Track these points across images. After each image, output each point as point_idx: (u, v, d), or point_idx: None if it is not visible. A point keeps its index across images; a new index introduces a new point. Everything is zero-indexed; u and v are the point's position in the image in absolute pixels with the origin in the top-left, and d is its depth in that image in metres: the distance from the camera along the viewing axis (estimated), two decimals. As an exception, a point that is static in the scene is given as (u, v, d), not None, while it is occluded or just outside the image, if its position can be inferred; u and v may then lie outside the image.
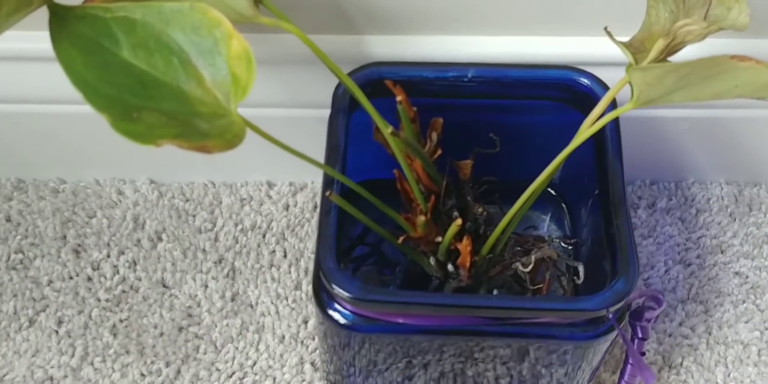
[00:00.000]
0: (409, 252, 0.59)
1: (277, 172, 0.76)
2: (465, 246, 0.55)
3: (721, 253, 0.72)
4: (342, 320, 0.51)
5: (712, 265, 0.71)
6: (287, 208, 0.74)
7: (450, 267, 0.58)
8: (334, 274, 0.49)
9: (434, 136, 0.56)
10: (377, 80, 0.58)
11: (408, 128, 0.55)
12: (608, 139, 0.55)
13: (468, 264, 0.56)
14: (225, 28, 0.47)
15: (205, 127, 0.46)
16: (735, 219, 0.74)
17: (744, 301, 0.69)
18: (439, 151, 0.57)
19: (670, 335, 0.67)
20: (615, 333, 0.51)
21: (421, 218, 0.54)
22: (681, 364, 0.66)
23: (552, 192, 0.68)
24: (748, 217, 0.74)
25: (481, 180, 0.64)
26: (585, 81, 0.57)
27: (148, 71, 0.48)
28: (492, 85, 0.58)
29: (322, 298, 0.52)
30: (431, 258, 0.58)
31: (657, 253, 0.71)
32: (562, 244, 0.65)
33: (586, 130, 0.50)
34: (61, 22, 0.47)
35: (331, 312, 0.52)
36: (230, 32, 0.47)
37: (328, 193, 0.51)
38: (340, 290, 0.48)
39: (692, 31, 0.48)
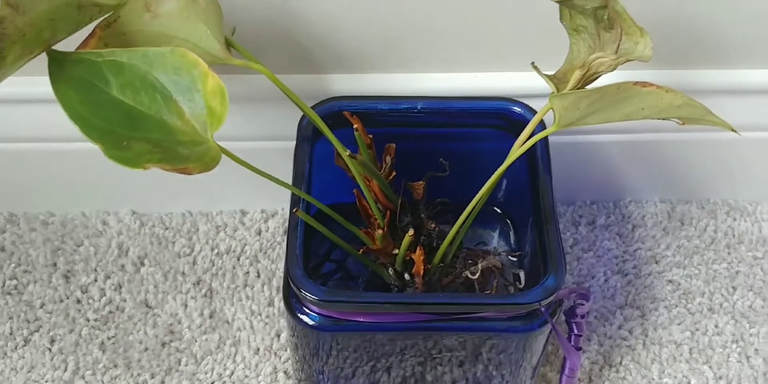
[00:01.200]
0: (370, 263, 0.66)
1: (250, 201, 0.83)
2: (418, 256, 0.62)
3: (656, 263, 0.79)
4: (310, 322, 0.58)
5: (647, 275, 0.78)
6: (260, 233, 0.81)
7: (406, 276, 0.65)
8: (301, 280, 0.56)
9: (388, 159, 0.63)
10: (338, 112, 0.65)
11: (365, 153, 0.62)
12: (539, 158, 0.63)
13: (422, 272, 0.63)
14: (201, 68, 0.54)
15: (185, 152, 0.53)
16: (668, 233, 0.82)
17: (677, 306, 0.77)
18: (394, 173, 0.64)
19: (610, 337, 0.74)
20: (549, 325, 0.58)
21: (379, 232, 0.61)
22: (620, 363, 0.73)
23: (498, 210, 0.75)
24: (680, 231, 0.82)
25: (435, 201, 0.71)
26: (518, 109, 0.65)
27: (135, 107, 0.55)
28: (439, 115, 0.66)
29: (292, 304, 0.58)
30: (389, 268, 0.65)
31: (597, 265, 0.79)
32: (509, 257, 0.73)
33: (517, 150, 0.58)
34: (59, 66, 0.55)
35: (300, 315, 0.58)
36: (206, 72, 0.54)
37: (294, 210, 0.58)
38: (307, 294, 0.55)
39: (604, 63, 0.56)
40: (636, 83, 0.52)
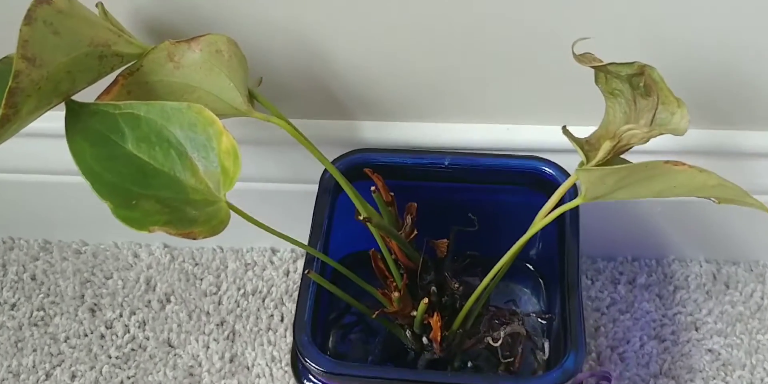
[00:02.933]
0: (387, 324, 0.64)
1: (280, 239, 0.82)
2: (435, 322, 0.60)
3: (696, 330, 0.76)
4: (315, 389, 0.56)
5: (685, 342, 0.75)
6: (287, 274, 0.80)
7: (425, 339, 0.63)
8: (308, 349, 0.54)
9: (409, 219, 0.61)
10: (362, 165, 0.63)
11: (384, 212, 0.60)
12: (567, 225, 0.60)
13: (439, 338, 0.61)
14: (217, 126, 0.53)
15: (193, 214, 0.52)
16: (711, 297, 0.78)
17: (714, 378, 0.73)
18: (415, 232, 0.62)
19: (638, 405, 0.71)
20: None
21: (396, 294, 0.59)
22: (649, 436, 0.70)
23: (530, 267, 0.73)
24: (724, 296, 0.78)
25: (464, 254, 0.69)
26: (549, 170, 0.62)
27: (149, 162, 0.54)
28: (467, 172, 0.64)
29: (299, 369, 0.57)
30: (407, 330, 0.63)
31: (633, 328, 0.75)
32: (539, 319, 0.70)
33: (540, 222, 0.55)
34: (75, 117, 0.54)
35: (306, 382, 0.56)
36: (221, 130, 0.53)
37: (306, 272, 0.57)
38: (313, 364, 0.53)
39: (636, 135, 0.53)
40: (667, 162, 0.49)
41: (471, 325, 0.63)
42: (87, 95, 0.56)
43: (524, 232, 0.57)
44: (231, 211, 0.54)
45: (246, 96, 0.58)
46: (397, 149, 0.65)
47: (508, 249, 0.57)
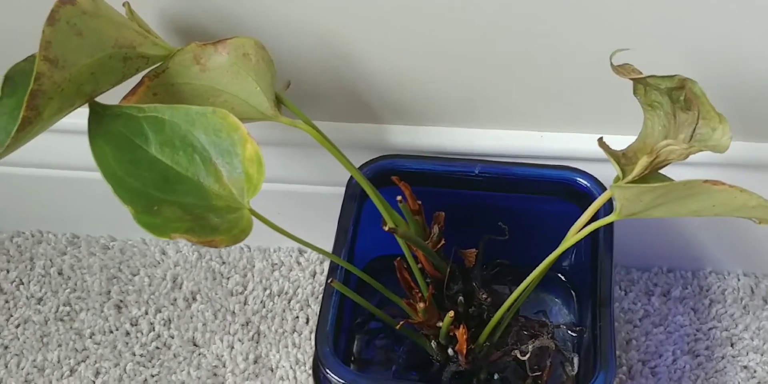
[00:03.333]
0: (412, 334, 0.63)
1: (309, 239, 0.81)
2: (461, 334, 0.59)
3: (731, 346, 0.73)
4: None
5: (720, 358, 0.73)
6: (314, 275, 0.79)
7: (450, 351, 0.61)
8: (329, 360, 0.53)
9: (437, 228, 0.60)
10: (390, 171, 0.62)
11: (411, 221, 0.59)
12: (600, 241, 0.58)
13: (465, 351, 0.59)
14: (241, 132, 0.52)
15: (216, 221, 0.51)
16: (748, 312, 0.75)
17: (749, 395, 0.71)
18: (443, 242, 0.60)
19: (670, 425, 0.69)
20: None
21: (421, 305, 0.58)
22: (678, 454, 0.68)
23: (562, 278, 0.71)
24: (762, 311, 0.75)
25: (494, 262, 0.67)
26: (583, 181, 0.60)
27: (173, 167, 0.53)
28: (497, 181, 0.62)
29: (320, 379, 0.56)
30: (433, 341, 0.62)
31: (666, 342, 0.73)
32: (569, 331, 0.68)
33: (572, 237, 0.53)
34: (98, 120, 0.53)
35: (327, 391, 0.55)
36: (245, 137, 0.52)
37: (330, 280, 0.56)
38: (333, 376, 0.52)
39: (674, 151, 0.51)
40: (706, 181, 0.47)
41: (499, 336, 0.61)
42: (112, 96, 0.55)
43: (556, 242, 0.55)
44: (254, 218, 0.53)
45: (273, 100, 0.56)
46: (427, 156, 0.63)
47: (540, 258, 0.56)
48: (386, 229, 0.53)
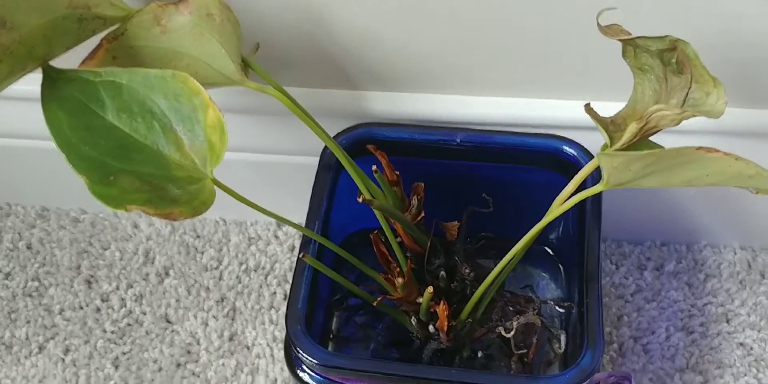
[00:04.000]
0: (391, 311, 0.60)
1: (287, 212, 0.77)
2: (442, 311, 0.56)
3: (727, 322, 0.70)
4: (311, 382, 0.52)
5: (715, 335, 0.70)
6: (292, 250, 0.76)
7: (431, 328, 0.58)
8: (301, 340, 0.50)
9: (416, 200, 0.56)
10: (366, 140, 0.59)
11: (389, 193, 0.55)
12: (588, 214, 0.55)
13: (446, 328, 0.57)
14: (203, 97, 0.48)
15: (175, 193, 0.48)
16: (745, 287, 0.72)
17: (745, 374, 0.68)
18: (422, 214, 0.57)
19: (659, 402, 0.67)
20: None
21: (399, 280, 0.55)
22: (669, 435, 0.65)
23: (549, 251, 0.68)
24: (759, 286, 0.72)
25: (478, 236, 0.64)
26: (570, 150, 0.57)
27: (131, 134, 0.50)
28: (480, 150, 0.59)
29: (293, 358, 0.53)
30: (413, 318, 0.59)
31: (659, 319, 0.70)
32: (557, 307, 0.65)
33: (557, 208, 0.50)
34: (52, 84, 0.50)
35: (300, 373, 0.53)
36: (207, 102, 0.48)
37: (301, 255, 0.52)
38: (306, 356, 0.49)
39: (666, 117, 0.47)
40: (700, 148, 0.44)
41: (483, 313, 0.58)
42: (71, 61, 0.52)
43: (542, 214, 0.52)
44: (219, 189, 0.50)
45: (239, 64, 0.53)
46: (405, 124, 0.60)
47: (525, 231, 0.53)
48: (361, 200, 0.50)
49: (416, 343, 0.60)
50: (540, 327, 0.61)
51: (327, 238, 0.56)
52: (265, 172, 0.72)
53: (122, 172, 0.48)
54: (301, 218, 0.78)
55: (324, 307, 0.64)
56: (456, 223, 0.60)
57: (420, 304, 0.57)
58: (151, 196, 0.47)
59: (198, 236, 0.77)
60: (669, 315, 0.71)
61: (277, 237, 0.77)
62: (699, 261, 0.74)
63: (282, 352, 0.70)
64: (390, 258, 0.56)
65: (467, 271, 0.60)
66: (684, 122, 0.49)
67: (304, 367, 0.52)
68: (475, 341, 0.60)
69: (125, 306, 0.73)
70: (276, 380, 0.69)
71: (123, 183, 0.47)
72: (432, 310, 0.57)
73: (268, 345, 0.71)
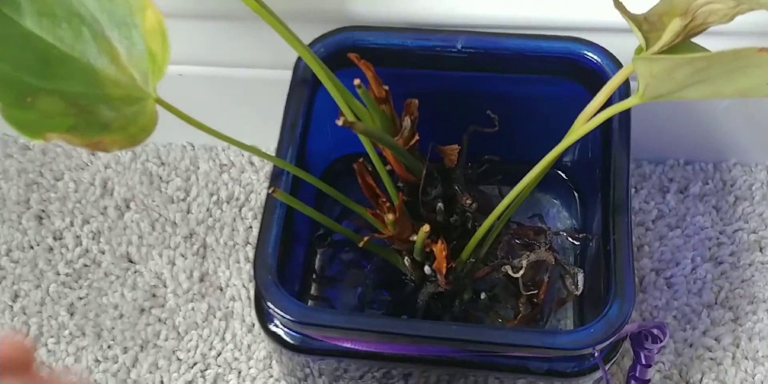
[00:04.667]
0: (380, 251, 0.51)
1: (263, 136, 0.68)
2: (440, 251, 0.47)
3: (760, 250, 0.62)
4: (287, 340, 0.44)
5: (747, 265, 0.62)
6: (269, 178, 0.67)
7: (427, 269, 0.50)
8: (272, 292, 0.42)
9: (408, 120, 0.47)
10: (348, 48, 0.49)
11: (375, 112, 0.46)
12: (614, 133, 0.46)
13: (444, 270, 0.48)
14: (139, -6, 0.39)
15: (108, 116, 0.39)
16: (780, 210, 0.64)
17: (781, 308, 0.60)
18: (416, 138, 0.48)
19: (690, 345, 0.59)
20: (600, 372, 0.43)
21: (389, 217, 0.46)
22: (700, 381, 0.58)
23: (563, 175, 0.59)
24: (796, 208, 0.64)
25: (481, 159, 0.55)
26: (593, 56, 0.48)
27: (54, 44, 0.40)
28: (485, 58, 0.49)
29: (264, 313, 0.45)
30: (406, 257, 0.50)
31: (684, 248, 0.62)
32: (570, 239, 0.57)
33: (580, 128, 0.41)
34: (-49, -18, 0.40)
35: (273, 329, 0.44)
36: (145, 2, 0.39)
37: (271, 190, 0.43)
38: (278, 311, 0.41)
39: (716, 11, 0.38)
40: (762, 50, 0.35)
41: (487, 249, 0.50)
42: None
43: (558, 133, 0.43)
44: (167, 111, 0.40)
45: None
46: (396, 27, 0.50)
47: (537, 153, 0.44)
48: (341, 123, 0.41)
49: (410, 286, 0.52)
50: (553, 264, 0.53)
51: (303, 167, 0.48)
52: (229, 89, 0.63)
53: (43, 91, 0.39)
54: (272, 145, 0.69)
55: (305, 243, 0.56)
56: (456, 146, 0.51)
57: (414, 242, 0.49)
58: (77, 122, 0.38)
59: (162, 163, 0.68)
60: (695, 244, 0.62)
61: (252, 163, 0.68)
62: (728, 181, 0.66)
63: (259, 294, 0.62)
64: (378, 191, 0.47)
65: (468, 202, 0.51)
66: (735, 21, 0.40)
67: (277, 322, 0.44)
68: (478, 281, 0.52)
69: (81, 244, 0.65)
70: (253, 325, 0.61)
71: (43, 105, 0.38)
72: (428, 249, 0.49)
73: (243, 286, 0.62)
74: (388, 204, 0.47)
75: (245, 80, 0.62)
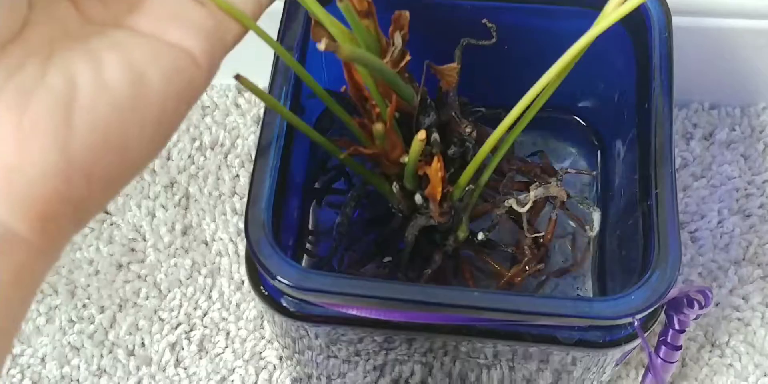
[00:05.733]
0: (366, 174, 0.44)
1: (252, 73, 0.62)
2: (435, 170, 0.40)
3: (791, 202, 0.58)
4: (286, 305, 0.39)
5: (777, 218, 0.57)
6: (257, 121, 0.61)
7: (418, 198, 0.44)
8: (265, 252, 0.36)
9: (398, 37, 0.41)
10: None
11: (358, 30, 0.39)
12: (655, 65, 0.40)
13: (438, 195, 0.42)
14: None
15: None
16: (813, 158, 0.59)
17: (813, 265, 0.56)
18: (407, 58, 0.41)
19: (717, 305, 0.55)
20: (638, 340, 0.38)
21: (379, 126, 0.39)
22: (727, 343, 0.54)
23: (581, 122, 0.54)
24: (830, 157, 0.59)
25: (473, 110, 0.50)
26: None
27: None
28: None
29: (259, 275, 0.39)
30: (394, 184, 0.43)
31: (710, 199, 0.57)
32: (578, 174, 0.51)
33: (606, 18, 0.35)
34: None
35: (267, 292, 0.39)
36: None
37: (236, 76, 0.35)
38: (275, 275, 0.36)
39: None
40: None
41: (487, 182, 0.44)
42: None
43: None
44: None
45: None
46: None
47: (550, 101, 0.39)
48: (322, 47, 0.34)
49: (398, 219, 0.46)
50: (559, 202, 0.47)
51: (298, 111, 0.42)
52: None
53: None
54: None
55: (299, 195, 0.50)
56: (455, 65, 0.44)
57: (404, 166, 0.42)
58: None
59: (138, 106, 0.62)
60: (722, 195, 0.58)
61: (238, 105, 0.62)
62: (757, 127, 0.60)
63: (248, 249, 0.57)
64: (367, 93, 0.41)
65: (468, 129, 0.45)
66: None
67: (272, 285, 0.39)
68: (475, 219, 0.46)
69: (51, 194, 0.59)
70: (242, 283, 0.56)
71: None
72: (421, 173, 0.42)
73: (231, 240, 0.57)
74: (377, 110, 0.40)
75: None
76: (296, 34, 0.43)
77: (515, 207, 0.45)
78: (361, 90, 0.42)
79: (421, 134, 0.39)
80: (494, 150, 0.43)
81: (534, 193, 0.45)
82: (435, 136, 0.44)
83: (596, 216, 0.47)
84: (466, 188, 0.44)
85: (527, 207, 0.45)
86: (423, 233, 0.46)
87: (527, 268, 0.47)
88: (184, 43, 0.30)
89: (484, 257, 0.48)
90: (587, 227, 0.47)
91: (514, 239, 0.50)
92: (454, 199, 0.44)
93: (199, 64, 0.30)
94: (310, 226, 0.52)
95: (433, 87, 0.45)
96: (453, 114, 0.45)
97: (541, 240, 0.48)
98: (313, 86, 0.39)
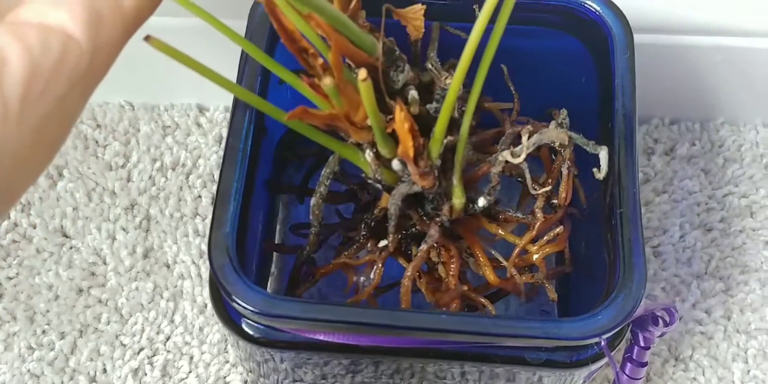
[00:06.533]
0: (335, 146, 0.38)
1: (211, 94, 0.62)
2: (400, 122, 0.34)
3: (751, 216, 0.58)
4: (250, 332, 0.39)
5: (738, 232, 0.58)
6: (220, 141, 0.61)
7: (396, 163, 0.38)
8: (230, 280, 0.36)
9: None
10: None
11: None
12: (617, 85, 0.41)
13: (410, 151, 0.35)
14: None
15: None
16: (771, 172, 0.60)
17: (774, 278, 0.56)
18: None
19: (680, 319, 0.55)
20: (605, 359, 0.38)
21: (327, 81, 0.33)
22: (691, 357, 0.54)
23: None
24: (788, 170, 0.60)
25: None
26: (595, 6, 0.42)
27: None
28: (465, 7, 0.43)
29: (223, 302, 0.39)
30: (367, 151, 0.38)
31: (671, 214, 0.58)
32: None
33: None
34: None
35: (232, 318, 0.39)
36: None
37: (145, 37, 0.30)
38: (239, 301, 0.35)
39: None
40: None
41: (468, 123, 0.37)
42: None
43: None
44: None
45: None
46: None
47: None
48: None
49: (373, 188, 0.41)
50: (566, 148, 0.40)
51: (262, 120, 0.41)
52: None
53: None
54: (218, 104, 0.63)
55: (265, 207, 0.50)
56: (419, 6, 0.38)
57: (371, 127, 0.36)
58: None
59: (98, 126, 0.61)
60: (683, 209, 0.58)
61: (199, 125, 0.61)
62: (716, 142, 0.61)
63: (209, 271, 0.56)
64: (305, 43, 0.34)
65: (448, 81, 0.40)
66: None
67: (237, 312, 0.38)
68: (473, 185, 0.41)
69: (8, 218, 0.58)
70: (205, 306, 0.55)
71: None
72: (390, 131, 0.36)
73: (193, 262, 0.56)
74: (321, 61, 0.34)
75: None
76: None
77: (510, 159, 0.39)
78: (294, 37, 0.34)
79: (362, 74, 0.32)
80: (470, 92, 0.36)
81: (532, 143, 0.39)
82: (413, 93, 0.39)
83: (603, 155, 0.40)
84: (444, 141, 0.37)
85: (522, 157, 0.39)
86: (412, 204, 0.40)
87: (544, 237, 0.41)
88: (47, 18, 0.27)
89: (492, 228, 0.41)
90: (595, 170, 0.41)
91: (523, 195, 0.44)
92: (433, 157, 0.38)
93: (74, 38, 0.27)
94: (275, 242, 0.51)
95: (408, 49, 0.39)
96: (430, 66, 0.40)
97: (555, 200, 0.42)
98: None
